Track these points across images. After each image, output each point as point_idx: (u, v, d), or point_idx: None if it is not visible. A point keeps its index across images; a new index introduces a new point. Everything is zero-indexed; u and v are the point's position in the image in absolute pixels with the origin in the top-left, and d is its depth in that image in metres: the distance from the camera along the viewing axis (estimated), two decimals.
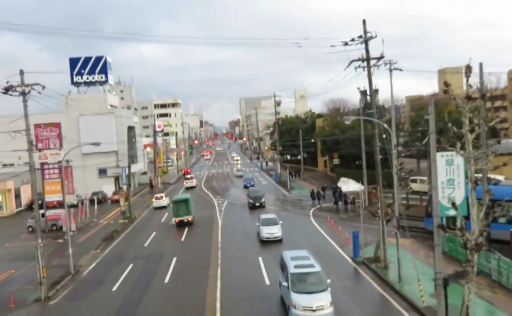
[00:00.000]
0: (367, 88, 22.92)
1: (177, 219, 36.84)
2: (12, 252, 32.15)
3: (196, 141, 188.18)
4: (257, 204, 42.42)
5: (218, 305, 18.58)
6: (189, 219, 36.88)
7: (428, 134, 15.89)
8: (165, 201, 48.26)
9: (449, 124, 15.48)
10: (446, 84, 14.70)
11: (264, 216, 30.94)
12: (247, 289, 20.31)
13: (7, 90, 20.16)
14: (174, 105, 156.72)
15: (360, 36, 22.04)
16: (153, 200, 49.29)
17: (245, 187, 58.11)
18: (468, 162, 14.74)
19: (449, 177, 20.03)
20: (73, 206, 44.38)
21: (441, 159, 18.51)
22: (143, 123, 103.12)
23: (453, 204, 16.10)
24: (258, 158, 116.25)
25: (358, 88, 22.38)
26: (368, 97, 22.09)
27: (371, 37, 21.90)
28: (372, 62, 22.48)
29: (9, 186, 50.41)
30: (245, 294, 19.67)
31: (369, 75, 22.12)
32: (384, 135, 23.53)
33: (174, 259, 26.63)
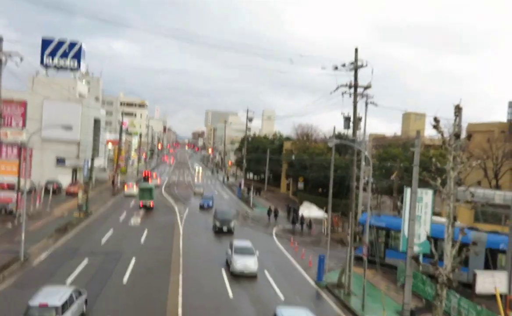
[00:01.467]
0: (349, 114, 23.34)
1: (141, 202, 46.20)
2: None
3: (159, 146, 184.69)
4: (225, 229, 35.34)
5: (180, 310, 17.89)
6: (151, 204, 46.28)
7: (412, 166, 16.26)
8: (135, 190, 55.05)
9: (433, 159, 15.90)
10: (436, 120, 15.11)
11: (237, 243, 25.67)
12: (210, 297, 19.75)
13: None
14: (141, 106, 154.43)
15: (352, 63, 22.46)
16: (126, 187, 57.48)
17: (201, 207, 48.65)
18: (447, 198, 15.10)
19: (417, 214, 20.62)
20: (27, 191, 42.06)
21: (411, 195, 18.89)
22: (107, 119, 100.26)
23: (428, 238, 16.46)
24: (219, 172, 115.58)
25: (342, 113, 22.68)
26: (351, 124, 22.43)
27: (361, 66, 22.38)
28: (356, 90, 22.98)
29: None
30: (208, 302, 19.11)
31: (355, 102, 22.52)
32: (354, 166, 23.82)
33: (133, 260, 25.59)
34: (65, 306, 14.40)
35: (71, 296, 15.20)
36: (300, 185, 61.33)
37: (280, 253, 31.02)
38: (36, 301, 14.20)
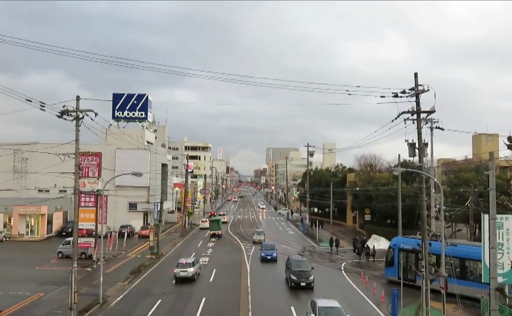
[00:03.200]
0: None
1: (211, 232, 57.05)
2: (41, 276, 32.04)
3: (223, 186, 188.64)
4: (303, 283, 28.35)
5: None
6: (219, 233, 57.01)
7: (488, 190, 15.23)
8: (207, 224, 63.85)
9: (511, 182, 14.80)
10: (510, 139, 14.16)
11: (323, 303, 20.41)
12: None
13: (62, 114, 20.76)
14: (204, 148, 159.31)
15: (412, 89, 21.81)
16: (200, 222, 68.87)
17: (263, 260, 38.82)
18: None
19: (498, 241, 19.05)
20: (103, 236, 44.50)
21: (490, 221, 17.56)
22: (173, 164, 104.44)
23: None
24: (284, 208, 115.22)
25: (406, 140, 21.87)
26: (417, 151, 21.53)
27: (423, 91, 21.65)
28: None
29: (43, 211, 51.19)
30: None
31: (419, 128, 21.64)
32: (423, 195, 22.68)
33: (203, 299, 25.84)
34: None
35: None
36: (367, 217, 59.45)
37: (350, 288, 29.90)
38: None
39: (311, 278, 28.82)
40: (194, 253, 42.58)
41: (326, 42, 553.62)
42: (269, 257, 38.75)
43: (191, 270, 30.42)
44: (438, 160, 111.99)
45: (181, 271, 30.20)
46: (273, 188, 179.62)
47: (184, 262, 30.98)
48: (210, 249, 46.33)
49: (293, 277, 28.73)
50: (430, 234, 30.01)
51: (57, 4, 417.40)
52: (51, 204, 51.34)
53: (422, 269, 20.00)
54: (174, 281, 30.30)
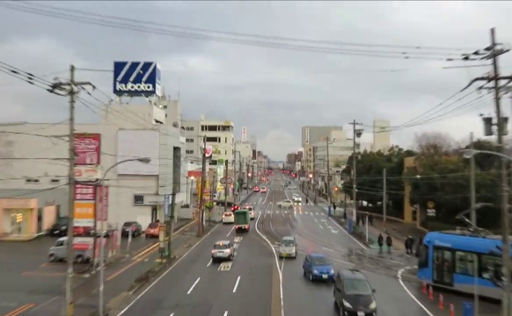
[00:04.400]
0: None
1: (237, 226, 62.06)
2: (30, 283, 33.13)
3: (249, 174, 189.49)
4: (361, 313, 24.57)
5: None
6: (246, 227, 61.88)
7: None
8: (232, 218, 68.52)
9: None
10: None
11: None
12: None
13: (54, 87, 21.21)
14: (225, 128, 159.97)
15: (488, 49, 21.19)
16: (223, 215, 74.05)
17: (315, 279, 34.20)
18: None
19: None
20: (104, 235, 45.57)
21: None
22: (187, 147, 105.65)
23: None
24: (324, 201, 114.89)
25: (481, 115, 21.31)
26: (494, 127, 20.96)
27: (502, 51, 21.01)
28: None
29: (32, 205, 52.63)
30: None
31: (497, 99, 21.09)
32: (503, 183, 22.06)
33: (225, 314, 26.20)
34: None
35: None
36: (430, 212, 58.69)
37: (410, 301, 29.64)
38: None
39: (373, 305, 24.78)
40: (211, 260, 42.88)
41: None
42: (325, 276, 33.87)
43: (227, 251, 41.66)
44: None
45: (218, 251, 41.38)
46: (310, 176, 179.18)
47: (220, 244, 42.70)
48: (234, 251, 46.78)
49: (347, 304, 24.93)
50: (471, 229, 31.95)
51: None
52: (42, 196, 52.48)
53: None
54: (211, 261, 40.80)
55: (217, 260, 41.02)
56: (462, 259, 30.84)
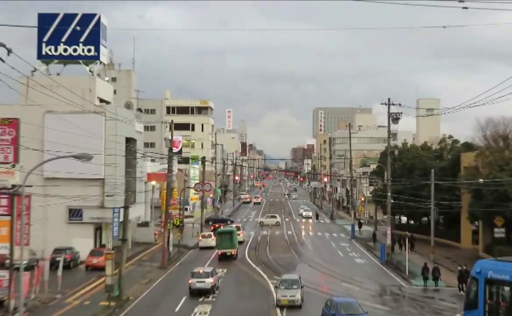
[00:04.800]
0: None
1: (220, 251, 62.79)
2: None
3: (236, 177, 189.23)
4: None
5: None
6: (232, 253, 62.63)
7: None
8: (213, 241, 69.71)
9: None
10: None
11: None
12: None
13: None
14: (201, 110, 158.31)
15: None
16: (200, 238, 74.65)
17: None
18: None
19: None
20: (25, 268, 45.08)
21: None
22: (146, 138, 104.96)
23: None
24: (346, 216, 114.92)
25: None
26: None
27: None
28: None
29: None
30: None
31: None
32: None
33: None
34: None
35: None
36: (499, 231, 58.54)
37: None
38: None
39: None
40: (184, 298, 42.69)
41: None
42: None
43: (209, 280, 44.18)
44: None
45: (197, 281, 43.98)
46: (325, 180, 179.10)
47: (200, 271, 45.66)
48: (218, 281, 46.78)
49: None
50: None
51: None
52: None
53: None
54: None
55: (196, 293, 43.75)
56: None
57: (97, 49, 64.71)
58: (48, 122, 58.21)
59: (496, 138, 72.51)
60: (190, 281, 44.25)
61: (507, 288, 28.99)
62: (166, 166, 68.77)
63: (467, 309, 32.04)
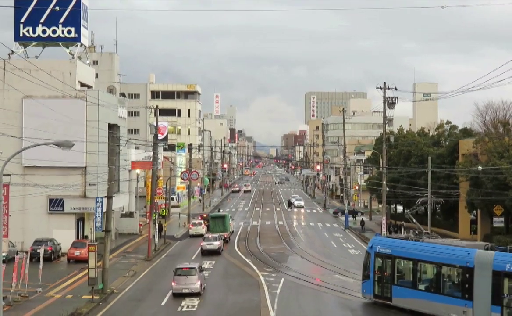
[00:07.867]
0: None
1: (204, 249, 60.63)
2: None
3: (225, 165, 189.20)
4: None
5: None
6: (225, 236, 66.52)
7: None
8: (203, 229, 72.90)
9: None
10: None
11: None
12: None
13: None
14: (187, 95, 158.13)
15: None
16: (190, 226, 77.50)
17: None
18: None
19: None
20: (4, 260, 44.92)
21: None
22: (130, 124, 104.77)
23: None
24: (340, 205, 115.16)
25: None
26: None
27: None
28: None
29: None
30: None
31: None
32: None
33: None
34: None
35: None
36: (498, 221, 58.72)
37: None
38: None
39: None
40: (171, 292, 42.57)
41: None
42: None
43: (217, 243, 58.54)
44: None
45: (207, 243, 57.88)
46: (318, 168, 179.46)
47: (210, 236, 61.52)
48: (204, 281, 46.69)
49: None
50: (416, 232, 39.58)
51: None
52: None
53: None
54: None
55: (207, 253, 54.14)
56: (403, 268, 37.11)
57: (78, 31, 64.25)
58: (27, 108, 58.09)
59: (495, 124, 72.73)
60: (201, 243, 58.34)
61: (388, 260, 36.56)
62: (151, 153, 68.76)
63: (363, 279, 39.14)
